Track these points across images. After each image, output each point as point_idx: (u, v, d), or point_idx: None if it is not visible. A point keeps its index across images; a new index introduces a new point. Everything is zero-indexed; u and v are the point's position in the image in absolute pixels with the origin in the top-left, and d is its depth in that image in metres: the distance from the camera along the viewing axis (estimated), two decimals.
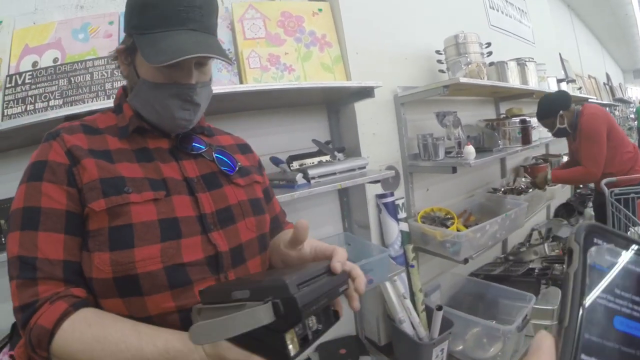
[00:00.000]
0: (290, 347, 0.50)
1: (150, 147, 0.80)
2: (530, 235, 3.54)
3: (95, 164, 0.71)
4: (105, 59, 1.50)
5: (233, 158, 0.89)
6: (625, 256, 0.24)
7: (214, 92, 1.34)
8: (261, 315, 0.48)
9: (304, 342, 0.53)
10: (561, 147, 3.81)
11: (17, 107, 1.44)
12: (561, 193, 3.82)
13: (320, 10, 1.89)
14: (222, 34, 1.74)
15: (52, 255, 0.66)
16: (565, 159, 3.38)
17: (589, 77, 5.22)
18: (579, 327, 0.22)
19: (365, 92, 1.73)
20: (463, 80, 1.84)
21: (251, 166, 0.95)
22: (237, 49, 1.72)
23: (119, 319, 0.65)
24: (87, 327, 0.61)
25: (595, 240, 0.24)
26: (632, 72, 17.68)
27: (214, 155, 0.86)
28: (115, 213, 0.68)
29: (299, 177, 1.59)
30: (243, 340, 0.53)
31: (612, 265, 0.24)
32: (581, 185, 4.21)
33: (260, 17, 1.77)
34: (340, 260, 0.65)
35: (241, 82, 1.70)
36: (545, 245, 3.21)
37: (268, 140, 1.94)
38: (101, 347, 0.59)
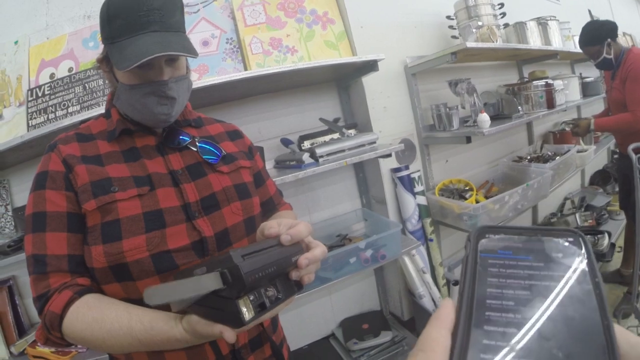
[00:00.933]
0: (245, 311, 0.55)
1: (137, 146, 0.86)
2: (562, 204, 3.40)
3: (86, 170, 0.79)
4: None
5: (217, 147, 0.93)
6: (515, 240, 0.30)
7: (218, 82, 1.41)
8: (208, 282, 0.54)
9: (260, 309, 0.58)
10: (594, 110, 3.61)
11: (40, 117, 1.56)
12: (596, 159, 3.61)
13: None
14: (224, 24, 1.76)
15: (58, 251, 0.75)
16: None
17: (624, 34, 4.86)
18: (469, 302, 0.27)
19: (369, 66, 1.70)
20: (470, 45, 1.76)
21: (239, 152, 0.98)
22: (239, 36, 1.73)
23: (114, 302, 0.74)
24: (87, 310, 0.70)
25: (487, 235, 0.30)
26: None
27: (198, 145, 0.90)
28: (105, 210, 0.76)
29: (306, 157, 1.60)
30: (209, 314, 0.59)
31: (502, 247, 0.29)
32: (617, 150, 3.98)
33: (260, 2, 1.77)
34: (292, 233, 0.68)
35: (245, 69, 1.71)
36: (577, 215, 3.07)
37: (279, 122, 1.95)
38: (99, 327, 0.68)
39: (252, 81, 1.51)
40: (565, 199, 3.45)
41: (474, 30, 1.95)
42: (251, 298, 0.57)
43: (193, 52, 0.79)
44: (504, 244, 0.30)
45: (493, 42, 2.01)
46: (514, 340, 0.24)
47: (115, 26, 0.77)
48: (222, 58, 1.71)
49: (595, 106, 3.61)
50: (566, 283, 0.26)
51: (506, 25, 2.33)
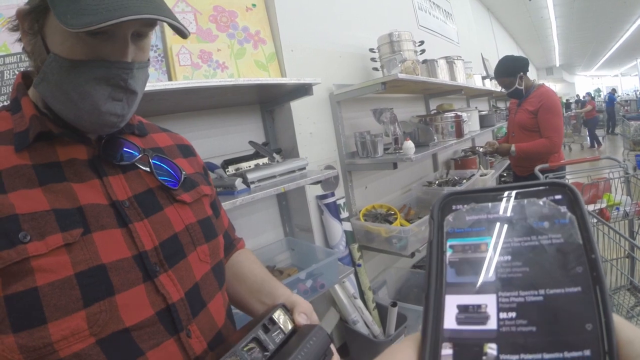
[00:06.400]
0: None
1: (60, 160, 0.58)
2: None
3: None
4: (18, 56, 1.21)
5: (175, 166, 0.69)
6: (490, 210, 0.24)
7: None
8: None
9: None
10: (485, 140, 4.03)
11: None
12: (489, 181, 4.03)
13: (254, 5, 1.80)
14: None
15: None
16: None
17: None
18: (436, 292, 0.22)
19: (304, 90, 1.67)
20: (401, 76, 1.84)
21: (196, 174, 0.77)
22: (166, 44, 1.57)
23: None
24: None
25: (453, 207, 0.24)
26: (545, 70, 19.76)
27: (151, 162, 0.65)
28: (11, 275, 0.48)
29: (239, 182, 1.48)
30: None
31: (474, 222, 0.24)
32: (505, 174, 4.45)
33: (191, 10, 1.64)
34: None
35: (170, 80, 1.56)
36: None
37: (199, 145, 1.80)
38: None
39: (178, 94, 1.34)
40: None
41: (398, 63, 2.05)
42: None
43: (185, 28, 0.57)
44: (476, 217, 0.24)
45: (417, 75, 2.13)
46: (494, 348, 0.20)
47: None
48: None
49: (487, 134, 4.05)
50: (556, 266, 0.21)
51: (424, 61, 2.49)
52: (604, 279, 0.20)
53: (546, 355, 0.19)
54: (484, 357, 0.20)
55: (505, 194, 0.24)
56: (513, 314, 0.20)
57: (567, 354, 0.19)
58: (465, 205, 0.24)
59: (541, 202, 0.23)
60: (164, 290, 0.58)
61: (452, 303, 0.21)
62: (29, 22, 0.56)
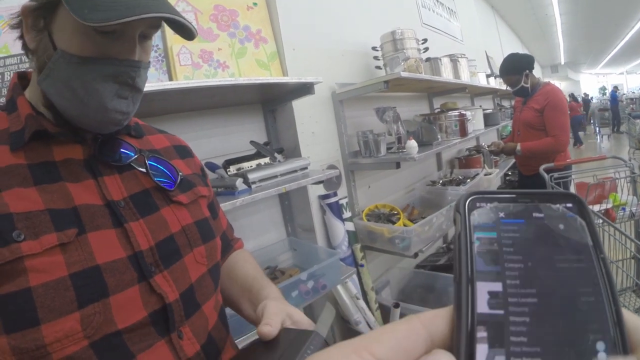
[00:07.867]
0: None
1: (56, 160, 0.57)
2: None
3: None
4: (19, 57, 1.23)
5: (172, 167, 0.69)
6: (511, 210, 0.26)
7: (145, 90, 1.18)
8: None
9: None
10: (490, 139, 3.99)
11: None
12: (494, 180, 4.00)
13: (255, 4, 1.79)
14: None
15: None
16: None
17: None
18: (468, 279, 0.23)
19: (305, 89, 1.65)
20: (404, 74, 1.82)
21: (194, 175, 0.76)
22: (166, 44, 1.56)
23: None
24: None
25: (477, 204, 0.26)
26: (550, 67, 19.63)
27: (148, 163, 0.65)
28: (3, 275, 0.47)
29: (239, 183, 1.47)
30: None
31: (498, 218, 0.25)
32: (509, 173, 4.42)
33: (192, 10, 1.63)
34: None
35: (171, 80, 1.55)
36: None
37: (201, 145, 1.80)
38: None
39: (179, 94, 1.33)
40: None
41: (401, 61, 2.03)
42: None
43: (193, 29, 0.58)
44: (500, 214, 0.26)
45: (420, 73, 2.11)
46: (518, 334, 0.21)
47: None
48: None
49: (491, 135, 4.01)
50: (570, 261, 0.23)
51: (428, 59, 2.47)
52: (611, 273, 0.23)
53: (564, 338, 0.21)
54: (512, 338, 0.21)
55: (524, 197, 0.26)
56: (534, 300, 0.22)
57: (584, 340, 0.21)
58: (489, 204, 0.26)
59: (556, 208, 0.26)
60: (160, 290, 0.58)
61: (482, 289, 0.23)
62: (34, 18, 0.56)
